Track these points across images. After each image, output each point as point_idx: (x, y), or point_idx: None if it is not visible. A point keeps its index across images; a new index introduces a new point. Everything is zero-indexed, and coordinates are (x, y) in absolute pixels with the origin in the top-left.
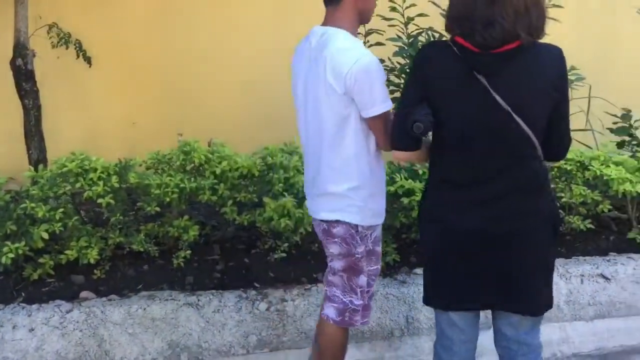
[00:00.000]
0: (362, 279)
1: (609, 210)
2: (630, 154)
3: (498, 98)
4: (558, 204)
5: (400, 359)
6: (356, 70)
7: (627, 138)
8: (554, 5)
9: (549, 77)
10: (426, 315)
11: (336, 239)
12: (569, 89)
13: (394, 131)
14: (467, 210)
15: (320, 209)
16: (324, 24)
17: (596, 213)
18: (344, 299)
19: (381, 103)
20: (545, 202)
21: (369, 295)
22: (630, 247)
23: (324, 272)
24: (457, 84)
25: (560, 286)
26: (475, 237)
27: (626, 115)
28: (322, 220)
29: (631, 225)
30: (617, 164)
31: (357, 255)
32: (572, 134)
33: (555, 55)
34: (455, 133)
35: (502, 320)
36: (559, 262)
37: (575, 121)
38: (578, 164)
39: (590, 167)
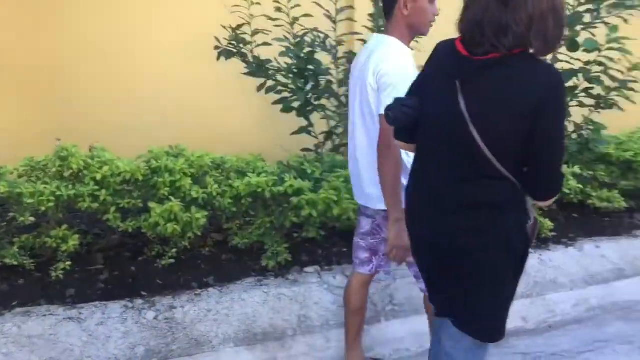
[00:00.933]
0: None
1: None
2: None
3: (462, 105)
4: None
5: (293, 358)
6: (385, 71)
7: None
8: None
9: (528, 97)
10: (318, 313)
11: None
12: (562, 115)
13: None
14: (421, 220)
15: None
16: (382, 33)
17: None
18: None
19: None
20: (506, 226)
21: None
22: None
23: (214, 275)
24: (438, 85)
25: None
26: (427, 247)
27: None
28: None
29: None
30: None
31: None
32: None
33: (544, 74)
34: (423, 135)
35: (444, 329)
36: None
37: None
38: None
39: None
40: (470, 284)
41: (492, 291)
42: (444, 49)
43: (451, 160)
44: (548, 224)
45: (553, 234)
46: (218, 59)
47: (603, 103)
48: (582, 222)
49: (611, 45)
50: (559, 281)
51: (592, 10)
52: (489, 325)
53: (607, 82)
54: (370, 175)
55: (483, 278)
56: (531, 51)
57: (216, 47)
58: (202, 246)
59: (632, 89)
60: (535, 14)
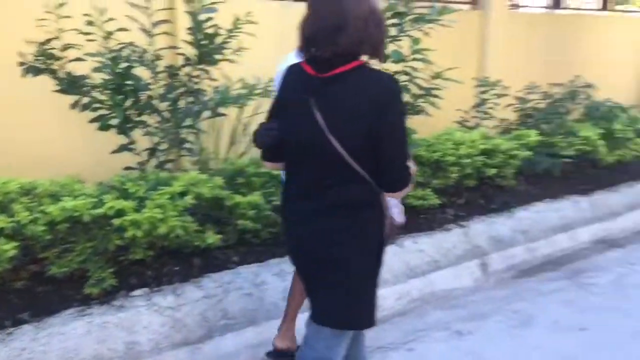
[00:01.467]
0: None
1: None
2: None
3: (319, 118)
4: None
5: None
6: None
7: None
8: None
9: (367, 100)
10: (147, 337)
11: None
12: (400, 115)
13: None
14: (296, 224)
15: None
16: None
17: None
18: None
19: None
20: (365, 223)
21: None
22: None
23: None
24: (295, 105)
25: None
26: (301, 248)
27: None
28: None
29: None
30: None
31: None
32: None
33: (381, 80)
34: (290, 153)
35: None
36: None
37: None
38: None
39: None
40: (333, 277)
41: (352, 283)
42: (293, 72)
43: (317, 169)
44: None
45: None
46: (23, 76)
47: (411, 109)
48: None
49: (415, 56)
50: (383, 277)
51: (397, 24)
52: (349, 314)
53: (414, 90)
54: None
55: (343, 272)
56: (364, 60)
57: (21, 64)
58: (15, 279)
59: (436, 96)
60: (360, 26)
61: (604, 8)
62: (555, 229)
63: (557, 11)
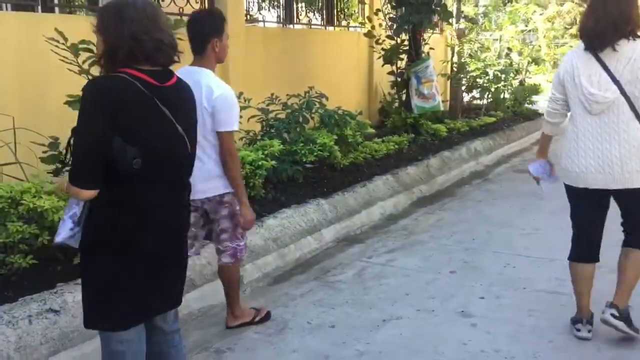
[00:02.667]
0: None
1: None
2: None
3: (178, 126)
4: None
5: None
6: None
7: (59, 165)
8: None
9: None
10: None
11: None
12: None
13: (82, 168)
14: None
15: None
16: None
17: (39, 247)
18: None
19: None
20: None
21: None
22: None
23: None
24: (145, 116)
25: (8, 335)
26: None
27: (54, 144)
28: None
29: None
30: (49, 193)
31: None
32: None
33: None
34: (146, 164)
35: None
36: (4, 309)
37: (3, 155)
38: (10, 200)
39: (23, 202)
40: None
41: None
42: (120, 85)
43: (175, 176)
44: None
45: None
46: None
47: None
48: None
49: None
50: None
51: None
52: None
53: None
54: (201, 175)
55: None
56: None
57: None
58: None
59: None
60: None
61: (330, 24)
62: (303, 233)
63: (290, 26)
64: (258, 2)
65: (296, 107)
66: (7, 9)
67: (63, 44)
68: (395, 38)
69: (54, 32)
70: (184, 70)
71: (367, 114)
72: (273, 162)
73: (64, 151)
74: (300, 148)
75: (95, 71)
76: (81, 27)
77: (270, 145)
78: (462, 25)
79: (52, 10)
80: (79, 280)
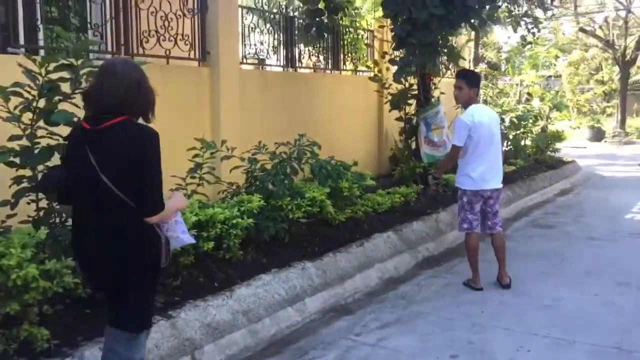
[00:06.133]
0: None
1: None
2: None
3: (94, 162)
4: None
5: None
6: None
7: None
8: None
9: (131, 148)
10: None
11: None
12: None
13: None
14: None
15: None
16: None
17: None
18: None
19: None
20: (140, 247)
21: None
22: None
23: None
24: (76, 154)
25: None
26: (94, 272)
27: None
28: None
29: None
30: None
31: None
32: None
33: (138, 132)
34: (76, 195)
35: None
36: None
37: None
38: None
39: None
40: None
41: (134, 295)
42: (75, 129)
43: (97, 205)
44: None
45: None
46: None
47: None
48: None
49: None
50: None
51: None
52: (140, 319)
53: None
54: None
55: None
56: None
57: None
58: None
59: None
60: (132, 83)
61: (336, 68)
62: (282, 303)
63: (291, 70)
64: (256, 44)
65: (285, 157)
66: None
67: None
68: (403, 82)
69: None
70: None
71: (377, 162)
72: (250, 220)
73: None
74: (286, 203)
75: (27, 117)
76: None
77: (249, 200)
78: (478, 70)
79: None
80: None
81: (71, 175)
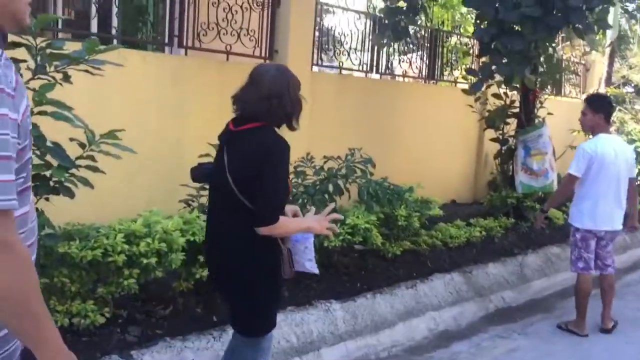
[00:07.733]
0: None
1: None
2: None
3: (226, 161)
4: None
5: None
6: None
7: None
8: None
9: (255, 154)
10: None
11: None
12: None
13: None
14: (214, 251)
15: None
16: None
17: None
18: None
19: None
20: (256, 250)
21: None
22: None
23: None
24: (218, 152)
25: None
26: (216, 269)
27: None
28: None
29: None
30: None
31: None
32: None
33: (264, 139)
34: (211, 185)
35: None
36: None
37: None
38: None
39: None
40: (231, 292)
41: (248, 298)
42: (225, 128)
43: (222, 201)
44: None
45: None
46: None
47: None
48: None
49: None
50: None
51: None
52: (248, 325)
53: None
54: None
55: (238, 287)
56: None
57: None
58: None
59: (96, 168)
60: (262, 94)
61: (432, 77)
62: (288, 352)
63: (376, 76)
64: (334, 45)
65: (332, 173)
66: None
67: None
68: (504, 97)
69: None
70: None
71: (474, 187)
72: None
73: None
74: None
75: None
76: None
77: None
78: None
79: None
80: None
81: (214, 170)
